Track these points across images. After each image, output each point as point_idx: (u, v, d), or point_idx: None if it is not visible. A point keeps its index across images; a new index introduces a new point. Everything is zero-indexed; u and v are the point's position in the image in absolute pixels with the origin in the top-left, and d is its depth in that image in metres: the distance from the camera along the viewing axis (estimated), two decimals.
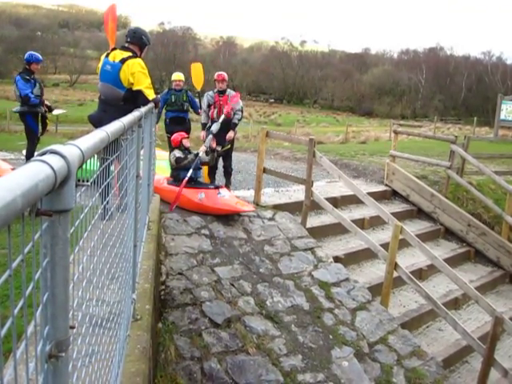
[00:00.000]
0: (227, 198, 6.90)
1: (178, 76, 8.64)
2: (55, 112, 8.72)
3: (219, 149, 7.89)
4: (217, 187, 7.05)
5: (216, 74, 8.18)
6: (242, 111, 8.15)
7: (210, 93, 8.13)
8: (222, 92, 8.04)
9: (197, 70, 8.78)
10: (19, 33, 73.88)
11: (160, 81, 68.27)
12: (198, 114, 8.78)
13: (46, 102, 7.88)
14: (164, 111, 8.65)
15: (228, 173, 8.27)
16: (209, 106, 8.08)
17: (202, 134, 8.17)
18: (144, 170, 4.18)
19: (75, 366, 1.44)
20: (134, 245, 3.18)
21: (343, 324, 5.87)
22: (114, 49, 5.41)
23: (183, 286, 5.42)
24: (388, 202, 10.02)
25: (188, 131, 8.75)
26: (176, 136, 7.43)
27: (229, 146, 8.09)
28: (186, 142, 7.35)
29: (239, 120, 8.13)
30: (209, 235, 6.45)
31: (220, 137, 7.87)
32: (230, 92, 8.14)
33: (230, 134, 8.02)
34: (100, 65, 5.44)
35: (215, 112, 7.98)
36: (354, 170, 11.44)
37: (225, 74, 8.16)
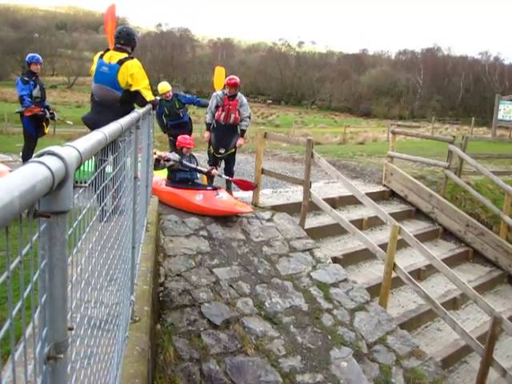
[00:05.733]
0: (225, 199, 6.90)
1: (164, 88, 8.43)
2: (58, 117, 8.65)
3: (222, 151, 7.89)
4: (215, 188, 7.05)
5: (227, 78, 7.93)
6: (249, 117, 8.09)
7: (220, 93, 7.92)
8: (232, 96, 7.84)
9: (220, 74, 8.82)
10: (16, 34, 73.76)
11: (158, 82, 68.25)
12: (201, 106, 8.79)
13: (52, 111, 7.91)
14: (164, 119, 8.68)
15: (230, 175, 8.20)
16: (216, 106, 7.87)
17: (207, 134, 8.07)
18: (142, 172, 4.18)
19: (74, 367, 1.44)
20: (132, 246, 3.18)
21: (342, 325, 5.87)
22: (107, 50, 5.39)
23: (182, 288, 5.42)
24: (386, 202, 10.03)
25: (190, 132, 8.77)
26: (181, 141, 7.31)
27: (233, 149, 8.07)
28: (187, 152, 7.26)
29: (247, 126, 8.08)
30: (207, 236, 6.45)
31: (224, 140, 7.87)
32: (240, 96, 7.91)
33: (240, 142, 8.01)
34: (94, 66, 5.40)
35: (222, 115, 7.80)
36: (352, 170, 11.45)
37: (237, 79, 7.88)
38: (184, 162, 7.08)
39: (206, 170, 7.49)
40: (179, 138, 7.41)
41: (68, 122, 9.90)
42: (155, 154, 6.95)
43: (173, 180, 7.14)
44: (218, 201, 6.80)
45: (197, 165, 7.32)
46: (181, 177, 7.08)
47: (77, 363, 1.52)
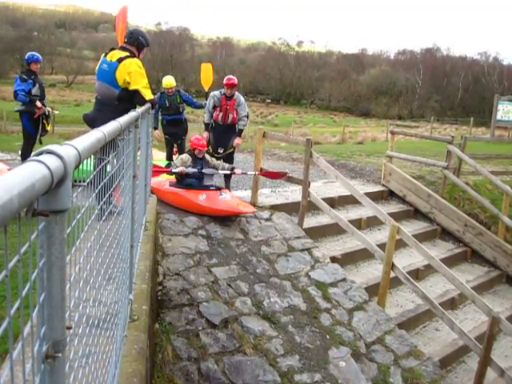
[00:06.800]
0: (228, 199, 6.87)
1: (169, 83, 8.45)
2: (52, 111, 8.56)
3: (221, 151, 7.91)
4: (218, 188, 7.02)
5: (226, 78, 7.94)
6: (247, 117, 8.10)
7: (217, 93, 7.94)
8: (229, 96, 7.87)
9: (207, 71, 8.66)
10: (16, 33, 73.60)
11: (157, 81, 68.07)
12: (196, 107, 8.76)
13: (48, 108, 7.86)
14: (160, 113, 8.65)
15: (228, 175, 8.17)
16: (214, 106, 7.91)
17: (205, 134, 8.09)
18: (141, 171, 4.18)
19: (72, 366, 1.44)
20: (130, 245, 3.17)
21: (340, 324, 5.87)
22: (112, 49, 5.43)
23: (180, 287, 5.41)
24: (385, 202, 10.04)
25: (185, 132, 8.77)
26: (195, 142, 7.22)
27: (232, 149, 8.08)
28: (199, 153, 7.19)
29: (244, 126, 8.11)
30: (206, 236, 6.45)
31: (222, 140, 7.90)
32: (238, 96, 7.95)
33: (237, 141, 8.06)
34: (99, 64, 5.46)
35: (220, 115, 7.85)
36: (351, 170, 11.46)
37: (235, 79, 7.91)
38: (204, 171, 7.07)
39: (229, 171, 7.45)
40: (192, 138, 7.32)
41: (55, 111, 9.79)
42: (170, 170, 6.98)
43: (182, 182, 7.09)
44: (221, 201, 6.77)
45: (212, 167, 7.27)
46: (188, 183, 7.04)
47: (75, 362, 1.52)
